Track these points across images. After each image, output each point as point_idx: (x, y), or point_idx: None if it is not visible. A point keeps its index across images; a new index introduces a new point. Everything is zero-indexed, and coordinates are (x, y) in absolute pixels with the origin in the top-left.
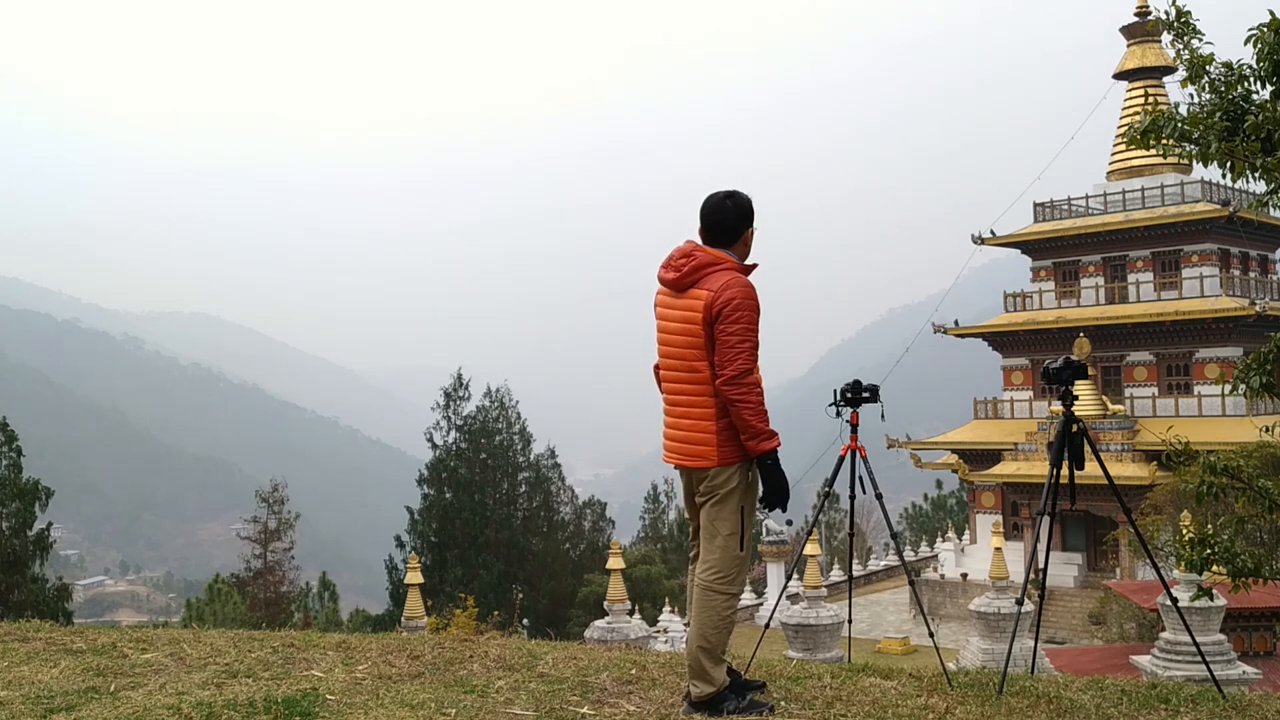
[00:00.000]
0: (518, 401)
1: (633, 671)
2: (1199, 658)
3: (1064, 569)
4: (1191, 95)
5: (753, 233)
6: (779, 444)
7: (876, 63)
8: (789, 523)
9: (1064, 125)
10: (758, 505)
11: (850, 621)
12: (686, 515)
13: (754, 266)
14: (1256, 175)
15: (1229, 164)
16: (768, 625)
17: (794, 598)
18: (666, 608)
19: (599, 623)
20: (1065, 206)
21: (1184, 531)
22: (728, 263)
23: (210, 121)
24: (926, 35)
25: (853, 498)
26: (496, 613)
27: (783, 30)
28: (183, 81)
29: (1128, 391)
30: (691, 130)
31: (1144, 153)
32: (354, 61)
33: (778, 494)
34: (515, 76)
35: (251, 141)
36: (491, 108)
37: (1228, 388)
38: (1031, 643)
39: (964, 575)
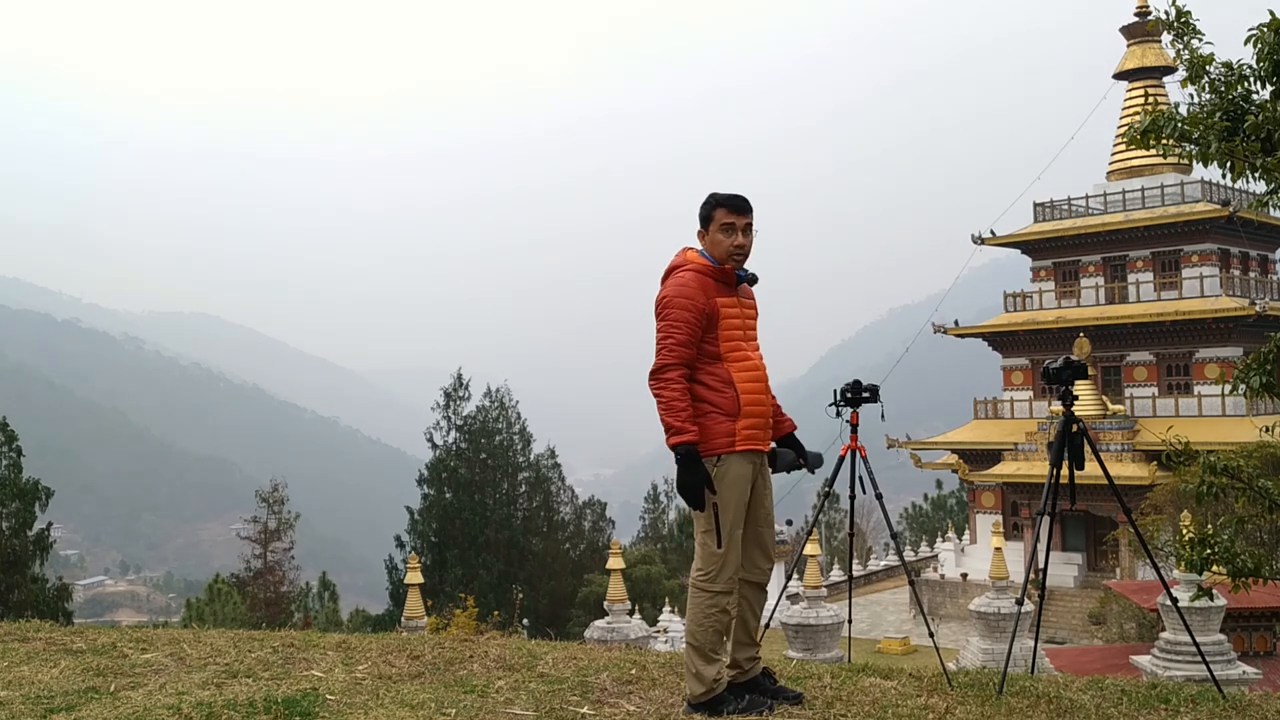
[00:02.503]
0: (517, 401)
1: (633, 671)
2: (1199, 658)
3: (1064, 569)
4: (1191, 95)
5: (711, 223)
6: (689, 439)
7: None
8: (789, 522)
9: (1064, 125)
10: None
11: (850, 621)
12: None
13: (714, 265)
14: (1256, 175)
15: (1229, 164)
16: (767, 625)
17: (794, 598)
18: (666, 608)
19: (599, 623)
20: (1065, 206)
21: (1184, 531)
22: (689, 265)
23: (210, 101)
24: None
25: (853, 498)
26: (496, 613)
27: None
28: (184, 60)
29: (1128, 391)
30: (697, 99)
31: (1144, 153)
32: (348, 33)
33: (682, 490)
34: (514, 42)
35: (250, 120)
36: (507, 69)
37: (1228, 388)
38: (1031, 643)
39: (964, 575)
